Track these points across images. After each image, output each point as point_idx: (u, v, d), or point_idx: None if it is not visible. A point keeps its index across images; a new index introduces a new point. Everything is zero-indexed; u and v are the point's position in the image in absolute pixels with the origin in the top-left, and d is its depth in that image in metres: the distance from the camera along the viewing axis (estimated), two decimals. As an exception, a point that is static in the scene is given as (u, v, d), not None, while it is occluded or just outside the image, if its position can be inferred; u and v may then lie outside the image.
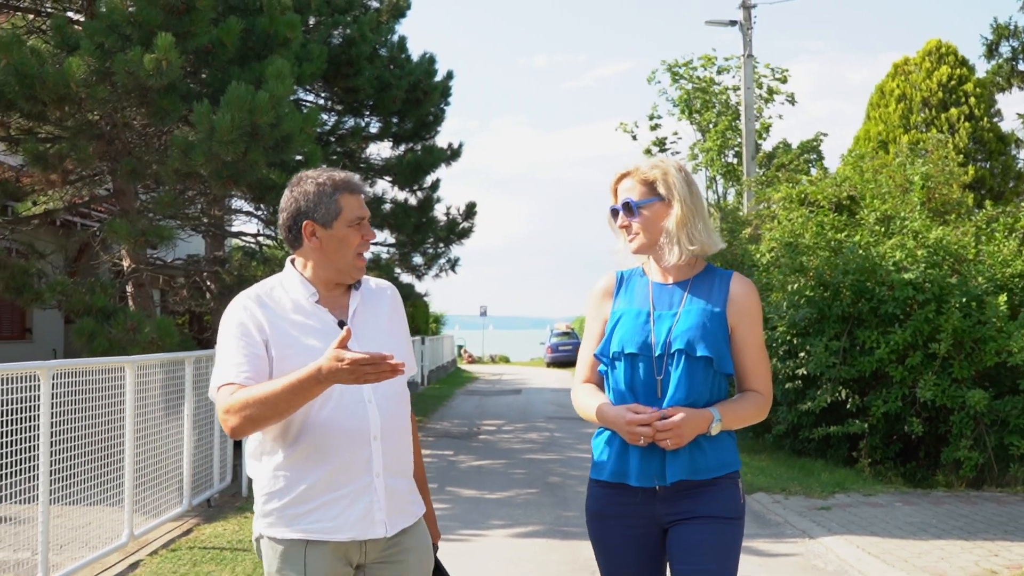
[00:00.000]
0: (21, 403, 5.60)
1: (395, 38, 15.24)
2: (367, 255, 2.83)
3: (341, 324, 2.66)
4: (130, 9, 8.74)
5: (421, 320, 33.80)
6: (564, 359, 38.87)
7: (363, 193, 2.77)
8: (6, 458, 5.45)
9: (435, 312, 43.88)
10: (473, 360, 50.60)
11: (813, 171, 24.17)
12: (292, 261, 2.78)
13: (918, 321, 10.00)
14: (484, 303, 53.79)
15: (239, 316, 2.67)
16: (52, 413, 5.77)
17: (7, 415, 5.45)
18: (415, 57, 15.79)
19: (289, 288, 2.74)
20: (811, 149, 26.25)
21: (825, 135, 26.19)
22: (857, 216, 11.75)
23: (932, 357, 9.98)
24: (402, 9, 16.08)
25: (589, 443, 3.14)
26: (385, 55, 14.92)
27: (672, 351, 2.81)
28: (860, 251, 10.57)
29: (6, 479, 5.45)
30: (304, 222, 2.68)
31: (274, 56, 9.51)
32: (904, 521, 7.77)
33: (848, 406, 10.67)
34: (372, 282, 2.89)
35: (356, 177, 2.77)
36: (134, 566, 6.45)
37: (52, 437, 5.78)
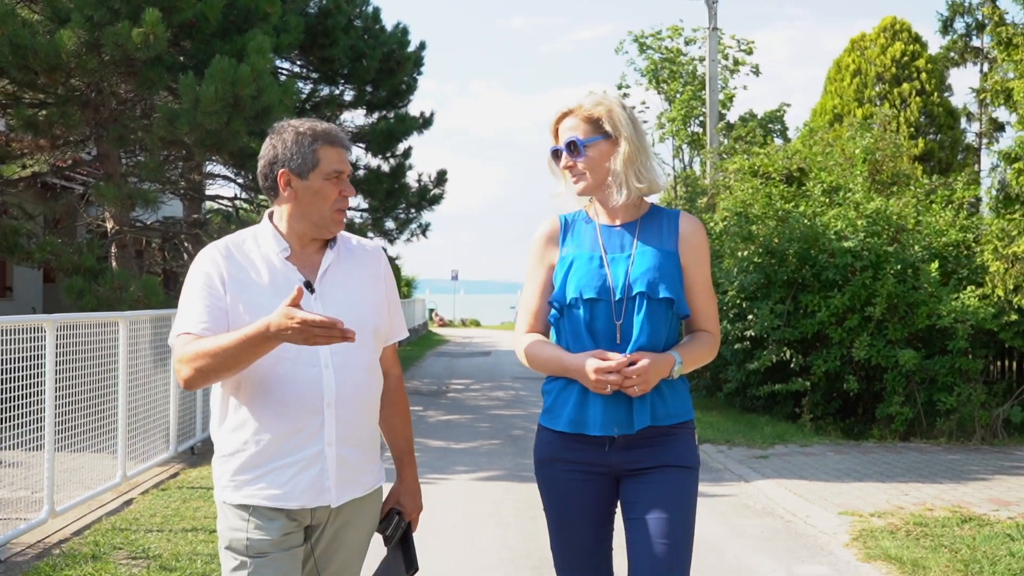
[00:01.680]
0: (23, 356, 6.12)
1: (369, 9, 15.72)
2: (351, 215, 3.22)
3: (308, 285, 2.60)
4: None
5: (393, 283, 34.27)
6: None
7: (345, 147, 2.66)
8: (15, 408, 5.99)
9: (407, 276, 44.41)
10: (444, 324, 51.23)
11: (778, 141, 24.97)
12: (271, 214, 2.70)
13: (856, 286, 10.75)
14: (456, 267, 54.56)
15: (205, 266, 2.61)
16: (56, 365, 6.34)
17: (13, 366, 5.97)
18: (389, 27, 16.29)
19: (261, 242, 2.66)
20: (775, 119, 26.98)
21: (789, 106, 26.91)
22: (804, 187, 12.46)
23: (868, 320, 10.75)
24: (376, -20, 16.52)
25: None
26: (360, 26, 15.40)
27: (633, 294, 2.72)
28: (805, 221, 11.29)
29: (14, 428, 6.00)
30: (280, 171, 2.60)
31: (255, 30, 10.03)
32: (832, 468, 8.54)
33: (792, 365, 11.43)
34: (355, 240, 2.80)
35: (339, 130, 2.67)
36: (128, 503, 7.07)
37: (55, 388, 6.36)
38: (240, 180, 13.60)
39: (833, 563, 5.58)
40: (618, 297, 2.73)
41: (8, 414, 5.86)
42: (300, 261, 2.63)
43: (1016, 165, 10.52)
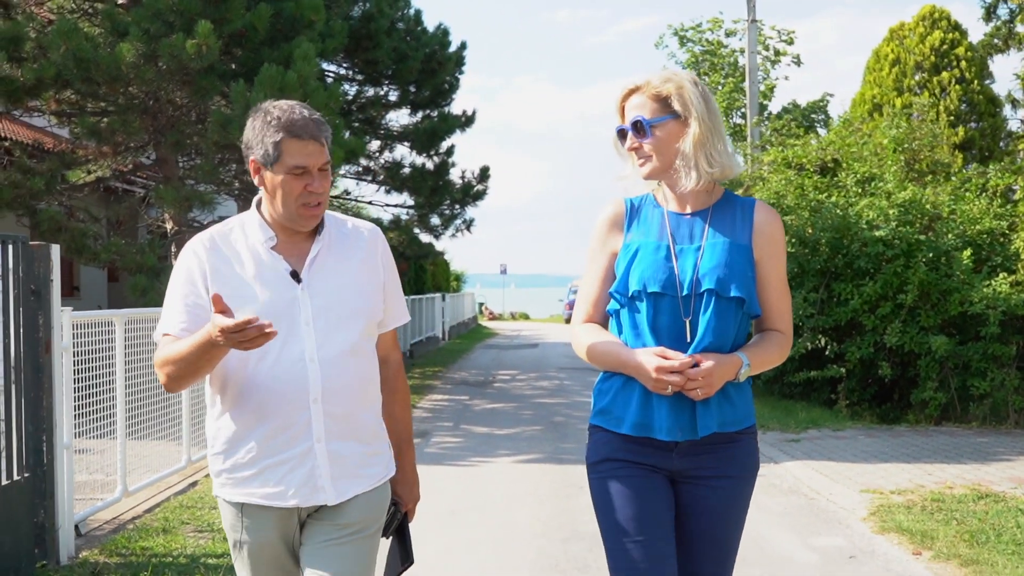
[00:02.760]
0: (96, 351, 6.62)
1: (411, 12, 16.17)
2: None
3: (294, 274, 2.51)
4: (173, -2, 9.74)
5: (442, 278, 34.97)
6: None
7: (314, 139, 2.45)
8: (91, 400, 6.51)
9: (456, 270, 45.06)
10: (494, 317, 51.86)
11: (822, 131, 25.02)
12: (258, 202, 2.60)
13: (887, 275, 10.97)
14: (505, 261, 55.13)
15: (187, 261, 2.54)
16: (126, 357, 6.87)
17: (87, 361, 6.48)
18: (431, 28, 16.74)
19: (248, 231, 2.57)
20: (818, 109, 27.01)
21: (832, 95, 26.94)
22: (837, 178, 12.67)
23: (900, 307, 10.96)
24: (418, -18, 16.97)
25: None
26: (402, 28, 15.86)
27: (701, 290, 2.54)
28: (837, 211, 11.52)
29: (91, 417, 6.52)
30: (250, 158, 2.50)
31: (300, 38, 10.52)
32: (861, 450, 8.82)
33: (827, 352, 11.68)
34: (350, 223, 2.68)
35: (309, 122, 2.46)
36: (193, 484, 7.59)
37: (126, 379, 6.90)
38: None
39: (848, 535, 5.90)
40: (685, 292, 2.55)
41: (85, 405, 6.38)
42: (287, 250, 2.53)
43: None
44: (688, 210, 2.64)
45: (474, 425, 11.00)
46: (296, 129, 2.43)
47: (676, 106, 2.58)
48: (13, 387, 5.10)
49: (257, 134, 2.46)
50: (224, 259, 2.52)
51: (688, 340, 2.53)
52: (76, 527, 5.83)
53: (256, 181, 2.51)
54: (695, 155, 2.56)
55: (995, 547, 5.31)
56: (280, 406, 2.45)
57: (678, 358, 2.47)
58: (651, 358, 2.48)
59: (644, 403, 2.56)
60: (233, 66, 10.93)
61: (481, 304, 51.34)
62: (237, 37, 10.42)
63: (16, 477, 5.09)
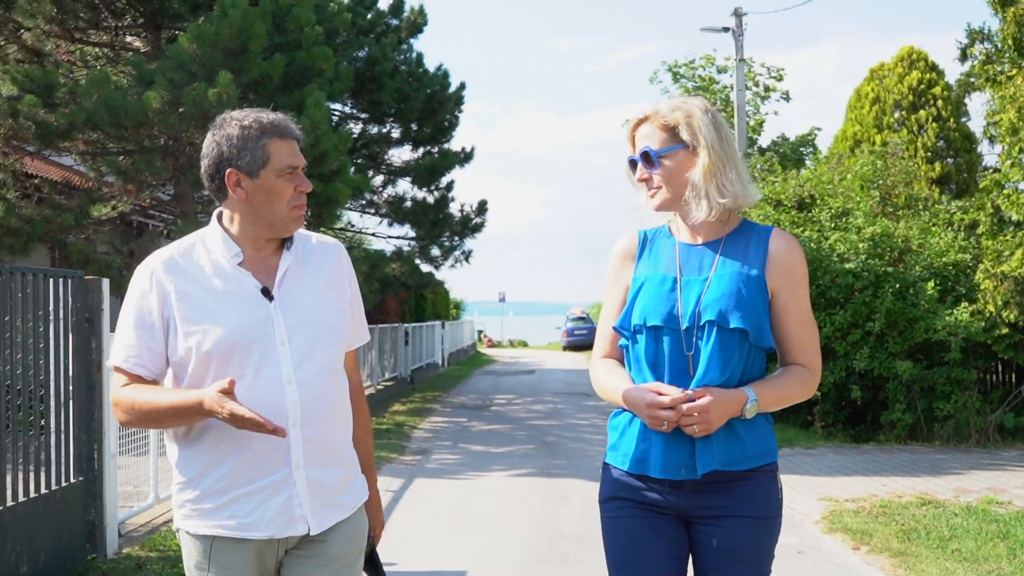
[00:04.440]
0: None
1: (413, 55, 17.11)
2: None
3: (265, 291, 2.40)
4: (195, 50, 10.62)
5: (442, 306, 35.75)
6: (579, 343, 40.91)
7: (296, 139, 2.45)
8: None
9: (455, 298, 45.87)
10: (492, 344, 52.61)
11: (810, 164, 25.91)
12: (219, 215, 2.48)
13: (857, 304, 11.78)
14: (503, 289, 55.78)
15: (142, 285, 2.42)
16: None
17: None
18: (432, 69, 17.65)
19: (211, 247, 2.44)
20: (806, 143, 27.95)
21: (820, 129, 27.89)
22: (811, 213, 13.52)
23: (869, 334, 11.76)
24: (419, 26, 17.91)
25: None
26: (404, 70, 16.78)
27: (702, 323, 2.45)
28: (811, 244, 12.34)
29: (125, 436, 7.29)
30: (227, 170, 2.38)
31: (312, 85, 11.40)
32: (827, 465, 9.59)
33: (803, 377, 12.44)
34: (314, 239, 2.58)
35: (288, 120, 2.48)
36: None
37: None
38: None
39: (800, 535, 6.68)
40: (686, 325, 2.46)
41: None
42: (255, 266, 2.43)
43: (1005, 191, 11.50)
44: (700, 240, 2.57)
45: (471, 444, 11.76)
46: (280, 130, 2.42)
47: (685, 136, 2.51)
48: (71, 401, 5.89)
49: (236, 143, 2.38)
50: (188, 278, 2.40)
51: (691, 375, 2.44)
52: (118, 528, 6.59)
53: (235, 196, 2.39)
54: (705, 185, 2.49)
55: (923, 543, 6.09)
56: (257, 433, 2.26)
57: (671, 392, 2.39)
58: (645, 394, 2.42)
59: (643, 439, 2.50)
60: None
61: (480, 332, 52.11)
62: (254, 84, 11.28)
63: (72, 480, 5.86)
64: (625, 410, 2.56)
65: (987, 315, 11.30)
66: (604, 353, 2.67)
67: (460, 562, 6.08)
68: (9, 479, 5.11)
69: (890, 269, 12.03)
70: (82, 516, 5.96)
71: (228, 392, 2.19)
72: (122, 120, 10.61)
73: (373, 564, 2.70)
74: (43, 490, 5.47)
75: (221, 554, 2.38)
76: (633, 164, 2.61)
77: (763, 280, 2.49)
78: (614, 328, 2.60)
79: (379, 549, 2.74)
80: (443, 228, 17.41)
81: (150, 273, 2.42)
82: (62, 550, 5.65)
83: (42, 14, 11.27)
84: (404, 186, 17.91)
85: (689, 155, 2.51)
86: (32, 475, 5.37)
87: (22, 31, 11.80)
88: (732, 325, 2.43)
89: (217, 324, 2.34)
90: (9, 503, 5.08)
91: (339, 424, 2.50)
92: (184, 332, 2.35)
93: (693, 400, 2.38)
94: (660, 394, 2.40)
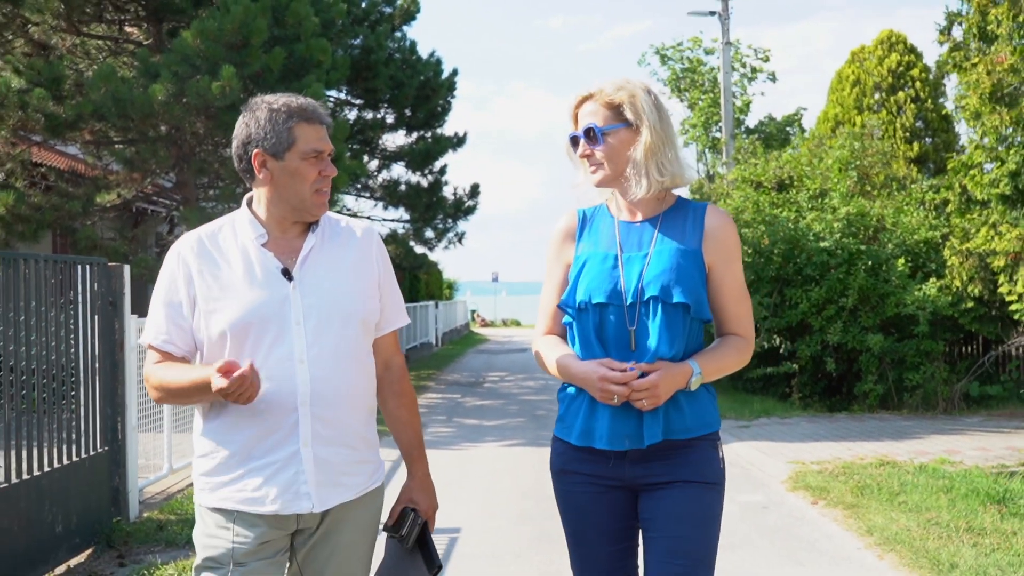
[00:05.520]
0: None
1: (407, 43, 17.60)
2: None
3: (285, 272, 2.47)
4: (199, 44, 11.12)
5: (436, 286, 36.29)
6: (571, 322, 41.47)
7: (324, 123, 2.50)
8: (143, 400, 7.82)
9: (449, 279, 46.41)
10: (486, 324, 53.18)
11: (797, 143, 26.45)
12: (249, 200, 2.57)
13: (831, 280, 12.37)
14: (497, 269, 56.20)
15: (171, 266, 2.52)
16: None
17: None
18: (424, 55, 18.15)
19: (239, 229, 2.52)
20: (791, 123, 28.48)
21: (805, 110, 28.40)
22: (788, 194, 14.10)
23: (842, 309, 12.36)
24: (412, 13, 18.38)
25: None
26: (398, 58, 17.28)
27: (645, 298, 2.51)
28: (789, 224, 12.92)
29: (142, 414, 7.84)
30: (254, 151, 2.45)
31: (310, 76, 11.90)
32: (800, 433, 10.19)
33: (782, 351, 13.07)
34: (344, 222, 2.64)
35: (317, 106, 2.51)
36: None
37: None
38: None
39: (766, 493, 7.28)
40: (630, 301, 2.53)
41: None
42: (279, 247, 2.50)
43: (971, 173, 12.06)
44: (639, 217, 2.64)
45: (465, 418, 12.36)
46: (308, 114, 2.46)
47: (628, 114, 2.57)
48: (96, 378, 6.44)
49: (263, 125, 2.44)
50: (211, 259, 2.48)
51: (632, 349, 2.52)
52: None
53: (261, 176, 2.47)
54: (646, 163, 2.55)
55: (875, 497, 6.70)
56: (266, 409, 2.38)
57: (622, 368, 2.45)
58: (596, 368, 2.48)
59: (590, 412, 2.57)
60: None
61: (473, 311, 52.67)
62: (255, 77, 11.78)
63: (99, 449, 6.42)
64: (571, 384, 2.64)
65: (954, 290, 11.91)
66: (546, 329, 2.75)
67: (455, 521, 6.66)
68: (45, 449, 5.67)
69: (863, 247, 12.61)
70: (108, 482, 6.52)
71: (227, 371, 2.23)
72: (128, 112, 11.12)
73: (426, 546, 2.68)
74: (74, 458, 6.02)
75: (233, 527, 2.43)
76: (574, 141, 2.66)
77: (700, 255, 2.57)
78: (558, 306, 2.66)
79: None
80: (436, 211, 17.95)
81: (177, 254, 2.52)
82: (91, 513, 6.22)
83: (50, 10, 11.73)
84: (398, 170, 18.46)
85: (631, 134, 2.58)
86: (64, 445, 5.93)
87: (29, 26, 12.27)
88: (675, 300, 2.50)
89: (235, 302, 2.42)
90: (46, 469, 5.64)
91: (355, 405, 2.52)
92: (205, 310, 2.44)
93: (646, 375, 2.45)
94: (611, 368, 2.47)
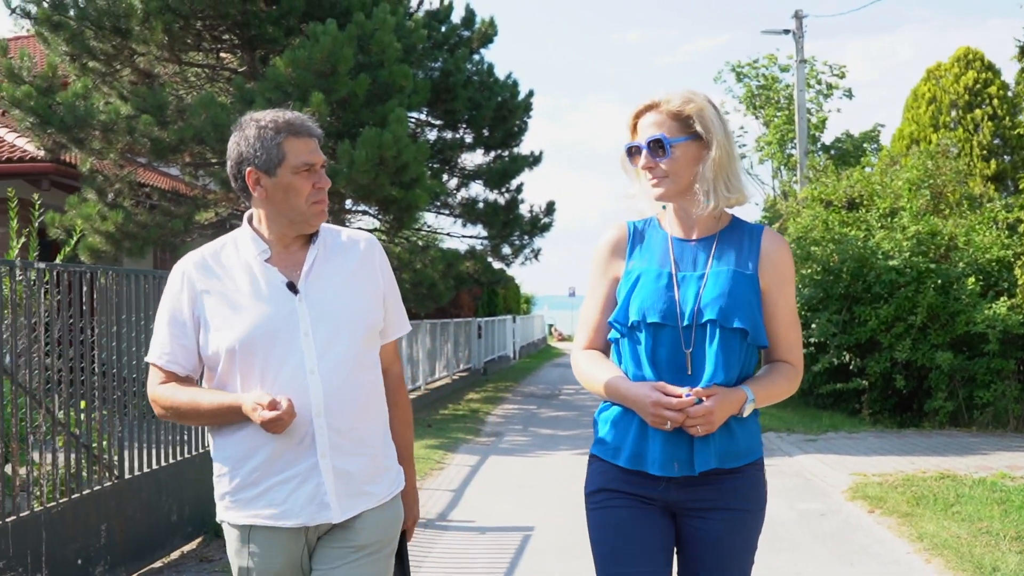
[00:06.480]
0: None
1: (484, 66, 18.23)
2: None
3: (290, 285, 2.49)
4: (290, 73, 11.86)
5: (513, 301, 36.91)
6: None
7: (314, 136, 2.50)
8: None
9: (526, 293, 47.03)
10: (563, 338, 53.63)
11: (874, 160, 26.42)
12: (249, 217, 2.58)
13: (900, 298, 12.56)
14: (573, 283, 56.53)
15: (174, 285, 2.54)
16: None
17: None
18: (501, 77, 18.77)
19: (241, 246, 2.54)
20: (869, 139, 28.41)
21: (883, 126, 28.33)
22: (860, 213, 14.29)
23: (911, 327, 12.53)
24: (490, 36, 19.01)
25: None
26: (476, 80, 17.90)
27: (702, 321, 2.43)
28: (858, 243, 13.14)
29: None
30: (247, 169, 2.46)
31: (393, 101, 12.58)
32: (866, 447, 10.43)
33: (851, 367, 13.28)
34: (344, 234, 2.65)
35: (306, 119, 2.52)
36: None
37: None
38: (380, 216, 16.26)
39: (826, 502, 7.61)
40: (686, 323, 2.44)
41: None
42: (282, 261, 2.52)
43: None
44: (694, 236, 2.55)
45: (540, 428, 12.85)
46: (296, 128, 2.47)
47: (697, 127, 2.47)
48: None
49: (253, 143, 2.45)
50: (216, 277, 2.51)
51: (688, 372, 2.44)
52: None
53: (256, 194, 2.48)
54: (715, 179, 2.47)
55: (929, 506, 6.99)
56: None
57: (678, 393, 2.36)
58: (651, 392, 2.38)
59: (640, 435, 2.48)
60: (337, 125, 13.02)
61: (550, 325, 53.21)
62: (342, 102, 12.49)
63: (204, 448, 7.07)
64: (614, 404, 2.55)
65: (1024, 308, 12.01)
66: (587, 343, 2.64)
67: (529, 520, 7.14)
68: (162, 446, 6.32)
69: (933, 266, 12.76)
70: (212, 478, 7.17)
71: (272, 405, 2.29)
72: (226, 136, 11.79)
73: (401, 558, 2.69)
74: (186, 455, 6.68)
75: (257, 542, 2.46)
76: (633, 151, 2.56)
77: (756, 279, 2.49)
78: (609, 322, 2.56)
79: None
80: (513, 228, 18.50)
81: (181, 273, 2.54)
82: (200, 505, 6.86)
83: (155, 41, 12.63)
84: (476, 188, 19.07)
85: (699, 147, 2.48)
86: (178, 446, 6.58)
87: (136, 56, 13.19)
88: (734, 325, 2.42)
89: (242, 318, 2.44)
90: (163, 464, 6.29)
91: (368, 414, 2.55)
92: (213, 328, 2.47)
93: (702, 401, 2.36)
94: (666, 394, 2.38)
